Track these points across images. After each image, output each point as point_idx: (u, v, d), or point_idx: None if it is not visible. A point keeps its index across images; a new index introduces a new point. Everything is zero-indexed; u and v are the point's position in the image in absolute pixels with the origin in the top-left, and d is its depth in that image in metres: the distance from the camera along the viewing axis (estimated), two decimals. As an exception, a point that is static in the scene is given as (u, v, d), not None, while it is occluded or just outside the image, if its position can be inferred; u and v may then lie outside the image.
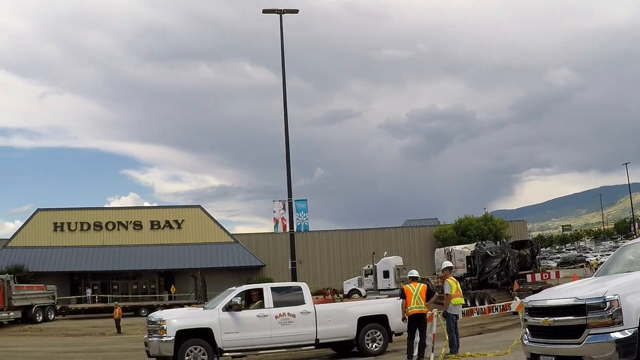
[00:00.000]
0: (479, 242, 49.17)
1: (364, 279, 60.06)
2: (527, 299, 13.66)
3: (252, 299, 21.19)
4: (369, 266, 60.41)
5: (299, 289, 21.62)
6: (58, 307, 54.38)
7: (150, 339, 19.59)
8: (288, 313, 20.31)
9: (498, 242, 50.28)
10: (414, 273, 20.23)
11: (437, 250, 58.36)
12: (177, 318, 19.86)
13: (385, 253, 61.04)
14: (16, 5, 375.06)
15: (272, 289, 21.26)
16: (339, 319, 21.19)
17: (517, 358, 16.75)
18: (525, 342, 12.84)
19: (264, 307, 20.46)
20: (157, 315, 20.61)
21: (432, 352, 18.90)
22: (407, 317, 19.03)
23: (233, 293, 20.75)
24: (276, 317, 20.15)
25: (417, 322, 18.88)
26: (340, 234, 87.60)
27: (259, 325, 20.03)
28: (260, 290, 21.18)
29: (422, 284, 19.61)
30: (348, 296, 59.68)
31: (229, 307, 19.99)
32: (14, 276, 52.45)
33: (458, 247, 51.39)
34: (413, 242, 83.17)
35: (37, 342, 35.72)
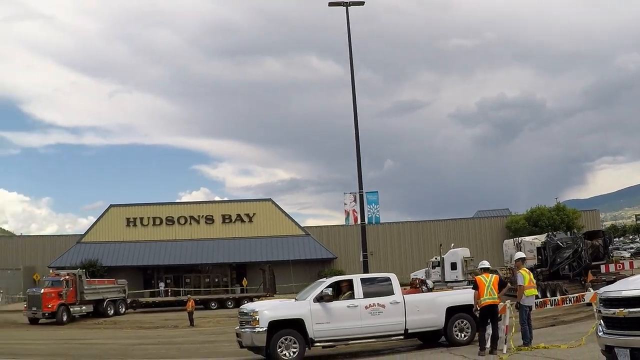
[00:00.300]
0: (550, 233, 48.66)
1: (431, 271, 59.56)
2: (602, 290, 13.34)
3: (341, 290, 21.38)
4: (436, 258, 59.97)
5: (388, 279, 21.63)
6: (129, 300, 54.32)
7: (242, 330, 20.07)
8: (378, 303, 20.42)
9: (569, 233, 49.60)
10: (486, 264, 20.00)
11: (506, 241, 57.75)
12: (269, 309, 20.23)
13: (452, 245, 60.43)
14: (85, 6, 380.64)
15: (362, 280, 21.42)
16: (427, 309, 21.15)
17: (591, 350, 16.45)
18: (599, 334, 12.53)
19: (354, 298, 20.65)
20: (249, 306, 21.10)
21: (505, 344, 18.67)
22: (479, 308, 18.91)
23: (324, 284, 21.06)
24: (366, 307, 20.30)
25: (489, 313, 18.73)
26: (411, 225, 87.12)
27: (349, 316, 20.24)
28: (350, 282, 21.38)
29: (494, 275, 19.42)
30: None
31: (320, 298, 20.27)
32: (85, 271, 52.71)
33: (528, 238, 50.87)
34: (485, 233, 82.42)
35: (111, 334, 36.17)
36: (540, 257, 44.16)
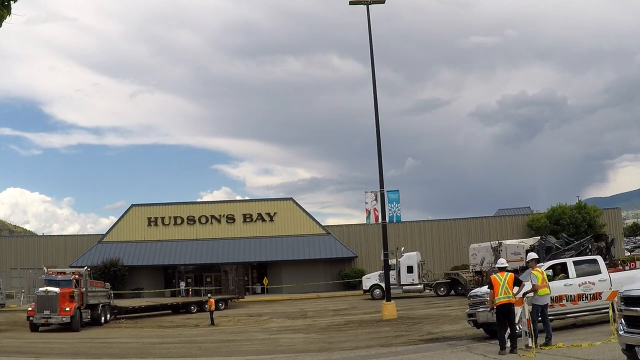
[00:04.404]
0: (543, 236, 53.39)
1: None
2: (623, 288, 13.26)
3: (556, 272, 23.88)
4: (391, 261, 60.07)
5: (595, 261, 24.55)
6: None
7: (477, 310, 22.64)
8: (588, 281, 22.96)
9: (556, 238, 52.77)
10: (502, 263, 20.12)
11: (473, 245, 58.13)
12: None
13: (403, 249, 60.44)
14: (108, 9, 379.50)
15: (574, 262, 24.44)
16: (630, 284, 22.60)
17: (612, 349, 16.37)
18: (620, 332, 12.45)
19: (568, 278, 23.29)
20: (482, 290, 23.62)
21: (530, 337, 18.70)
22: (494, 307, 18.95)
23: (543, 267, 23.17)
24: (579, 285, 22.82)
25: (505, 312, 18.81)
26: (432, 224, 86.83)
27: (566, 293, 22.75)
28: (564, 264, 24.29)
29: (510, 273, 19.48)
30: (369, 291, 60.08)
31: None
32: (90, 270, 46.83)
33: (510, 242, 52.19)
34: (505, 232, 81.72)
35: (132, 333, 36.28)
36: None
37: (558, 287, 22.62)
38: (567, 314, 23.06)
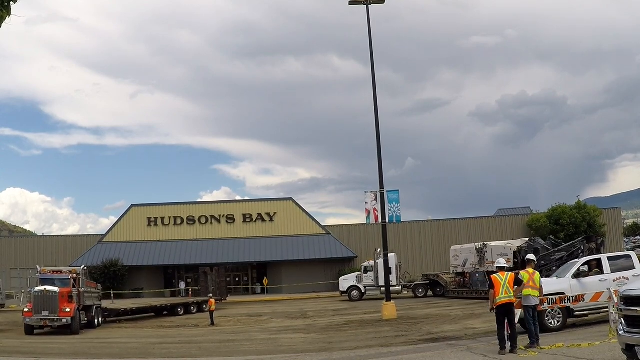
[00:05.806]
0: (531, 237, 55.22)
1: (363, 276, 59.64)
2: (623, 288, 13.26)
3: (591, 267, 25.17)
4: (368, 262, 60.08)
5: (629, 256, 25.82)
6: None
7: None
8: (623, 277, 23.78)
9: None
10: (502, 263, 20.07)
11: (455, 247, 58.23)
12: None
13: (379, 250, 60.41)
14: (108, 9, 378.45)
15: (608, 257, 25.50)
16: None
17: (611, 349, 16.36)
18: (620, 332, 12.43)
19: (603, 273, 24.53)
20: None
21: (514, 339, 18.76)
22: (495, 307, 18.89)
23: (579, 263, 25.30)
24: (614, 280, 23.63)
25: (506, 312, 18.74)
26: (432, 224, 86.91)
27: (601, 288, 23.25)
28: (599, 260, 25.45)
29: (510, 273, 19.43)
30: (347, 292, 60.16)
31: (577, 275, 24.38)
32: (87, 269, 43.61)
33: (496, 243, 52.72)
34: (505, 232, 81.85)
35: (132, 333, 36.19)
36: (516, 260, 45.90)
37: (593, 282, 23.89)
38: (602, 309, 23.26)
